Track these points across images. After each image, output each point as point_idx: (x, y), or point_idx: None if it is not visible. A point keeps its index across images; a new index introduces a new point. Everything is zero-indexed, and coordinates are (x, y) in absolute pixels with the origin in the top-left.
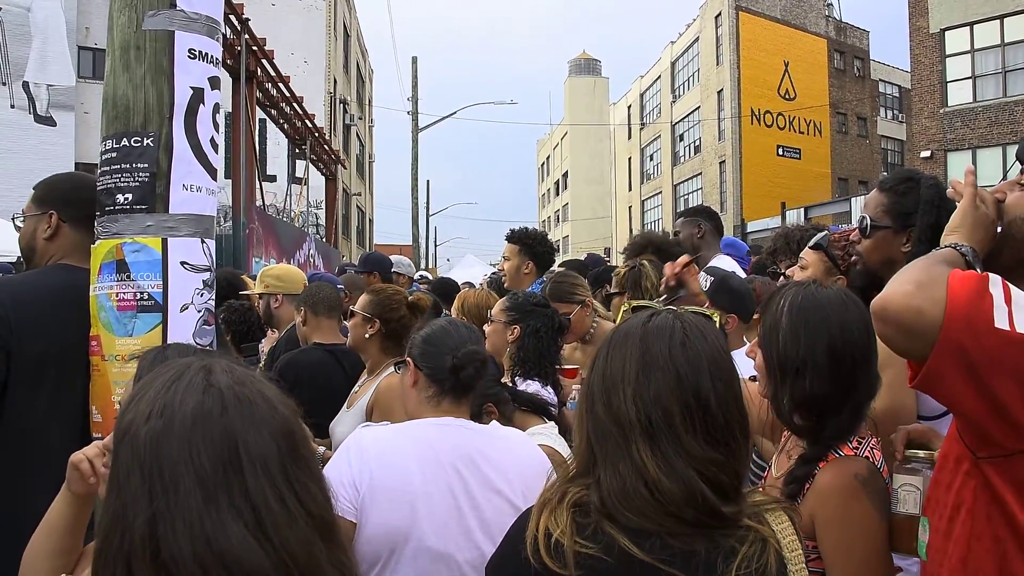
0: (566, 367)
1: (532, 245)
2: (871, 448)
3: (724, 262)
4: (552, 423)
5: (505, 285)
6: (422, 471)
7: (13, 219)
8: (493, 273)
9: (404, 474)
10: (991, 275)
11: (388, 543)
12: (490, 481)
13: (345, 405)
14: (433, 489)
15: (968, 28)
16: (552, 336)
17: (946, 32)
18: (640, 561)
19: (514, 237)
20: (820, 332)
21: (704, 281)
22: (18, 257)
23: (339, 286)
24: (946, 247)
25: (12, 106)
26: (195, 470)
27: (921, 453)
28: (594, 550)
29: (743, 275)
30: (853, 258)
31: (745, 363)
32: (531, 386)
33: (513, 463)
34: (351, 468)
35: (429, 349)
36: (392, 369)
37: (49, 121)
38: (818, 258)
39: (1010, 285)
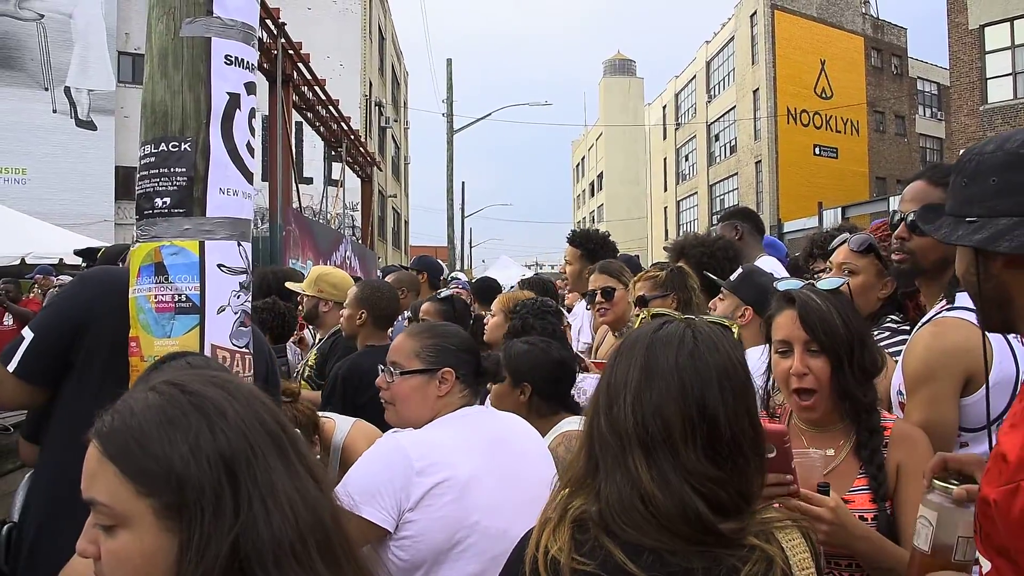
0: (598, 361)
1: (593, 249)
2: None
3: (768, 263)
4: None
5: (568, 289)
6: (466, 460)
7: None
8: (537, 273)
9: (450, 467)
10: None
11: (448, 535)
12: (520, 454)
13: None
14: (480, 474)
15: (1008, 24)
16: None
17: (986, 28)
18: None
19: (575, 240)
20: (854, 310)
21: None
22: (60, 259)
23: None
24: None
25: (54, 111)
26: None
27: (948, 485)
28: (591, 567)
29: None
30: (896, 256)
31: (758, 361)
32: None
33: (528, 434)
34: (392, 475)
35: (468, 358)
36: None
37: (90, 125)
38: (869, 262)
39: None
